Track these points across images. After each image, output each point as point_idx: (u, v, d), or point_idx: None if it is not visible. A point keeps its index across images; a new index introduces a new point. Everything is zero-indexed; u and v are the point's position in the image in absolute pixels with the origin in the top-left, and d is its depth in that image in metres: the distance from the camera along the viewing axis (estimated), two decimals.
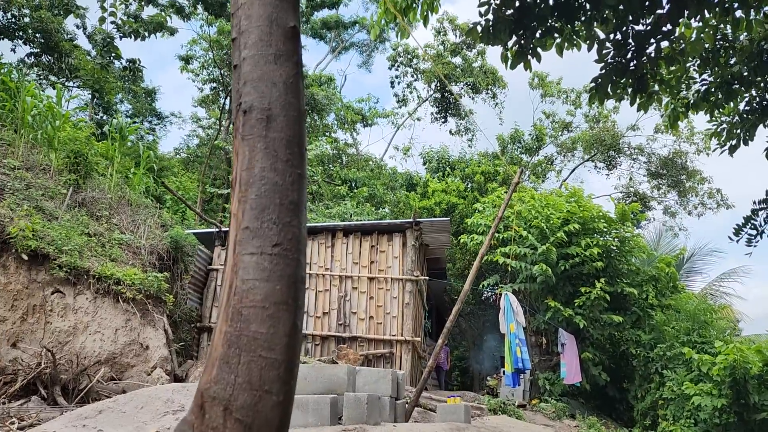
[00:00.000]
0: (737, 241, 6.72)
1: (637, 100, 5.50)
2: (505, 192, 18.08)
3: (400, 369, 11.80)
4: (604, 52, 5.40)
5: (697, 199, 25.22)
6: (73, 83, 24.07)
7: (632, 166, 25.54)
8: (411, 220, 12.68)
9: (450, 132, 27.61)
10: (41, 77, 22.72)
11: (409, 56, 27.21)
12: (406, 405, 7.68)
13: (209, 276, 13.04)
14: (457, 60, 25.96)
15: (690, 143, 23.28)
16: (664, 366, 14.29)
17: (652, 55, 5.38)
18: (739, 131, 7.25)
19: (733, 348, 11.88)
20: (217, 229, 13.25)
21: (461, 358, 23.98)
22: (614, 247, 15.56)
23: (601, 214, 15.86)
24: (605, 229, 15.84)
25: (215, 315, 12.74)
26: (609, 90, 5.37)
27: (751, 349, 12.19)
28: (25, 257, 10.55)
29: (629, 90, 5.51)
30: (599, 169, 26.10)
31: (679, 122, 6.88)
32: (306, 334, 12.29)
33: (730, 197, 24.87)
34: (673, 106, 6.89)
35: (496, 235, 16.24)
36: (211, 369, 1.94)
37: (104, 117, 26.00)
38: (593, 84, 5.41)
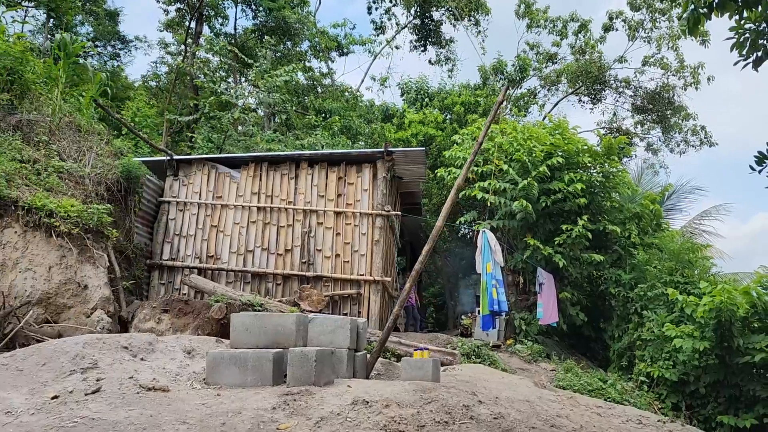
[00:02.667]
0: (759, 171, 5.56)
1: None
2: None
3: (369, 311, 10.77)
4: None
5: (681, 137, 24.15)
6: (28, 3, 21.70)
7: (617, 100, 24.21)
8: (382, 149, 11.36)
9: (429, 62, 25.85)
10: None
11: None
12: (368, 356, 6.62)
13: (160, 209, 11.69)
14: None
15: (679, 77, 21.91)
16: (644, 306, 13.51)
17: None
18: (765, 42, 5.97)
19: (721, 289, 11.03)
20: (168, 158, 11.79)
21: (436, 295, 23.27)
22: (598, 183, 14.43)
23: (586, 147, 14.65)
24: (590, 164, 14.68)
25: (167, 251, 11.48)
26: None
27: (738, 290, 11.37)
28: None
29: None
30: (583, 103, 24.73)
31: (699, 26, 5.55)
32: (267, 272, 11.13)
33: (714, 135, 23.84)
34: (693, 6, 5.56)
35: (475, 168, 15.02)
36: None
37: None
38: None
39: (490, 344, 12.97)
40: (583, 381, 10.15)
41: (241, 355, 5.42)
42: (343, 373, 6.07)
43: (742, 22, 5.93)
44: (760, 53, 5.93)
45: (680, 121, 23.45)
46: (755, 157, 5.58)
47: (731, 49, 6.02)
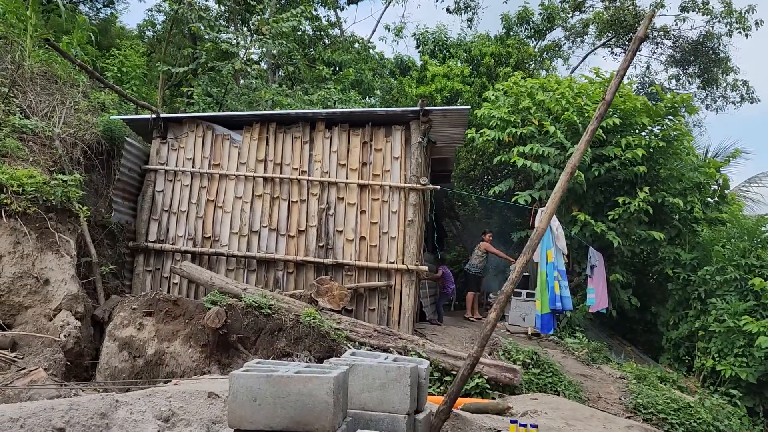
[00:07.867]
0: None
1: None
2: (523, 78, 14.09)
3: (401, 307, 8.49)
4: None
5: (719, 92, 21.45)
6: None
7: (654, 52, 21.37)
8: (417, 108, 8.85)
9: (447, 10, 22.85)
10: None
11: None
12: (432, 417, 4.38)
13: (145, 179, 9.25)
14: None
15: (725, 23, 18.98)
16: (709, 292, 11.28)
17: None
18: None
19: None
20: (153, 116, 9.28)
21: (453, 262, 21.03)
22: (659, 148, 11.97)
23: (646, 106, 12.12)
24: (648, 125, 12.21)
25: (154, 231, 9.10)
26: None
27: None
28: None
29: None
30: (616, 55, 21.91)
31: None
32: (276, 258, 8.78)
33: (757, 90, 21.14)
34: None
35: (513, 130, 12.53)
36: None
37: None
38: None
39: (530, 332, 10.92)
40: (666, 397, 7.97)
41: None
42: None
43: None
44: None
45: (720, 75, 20.74)
46: None
47: None
